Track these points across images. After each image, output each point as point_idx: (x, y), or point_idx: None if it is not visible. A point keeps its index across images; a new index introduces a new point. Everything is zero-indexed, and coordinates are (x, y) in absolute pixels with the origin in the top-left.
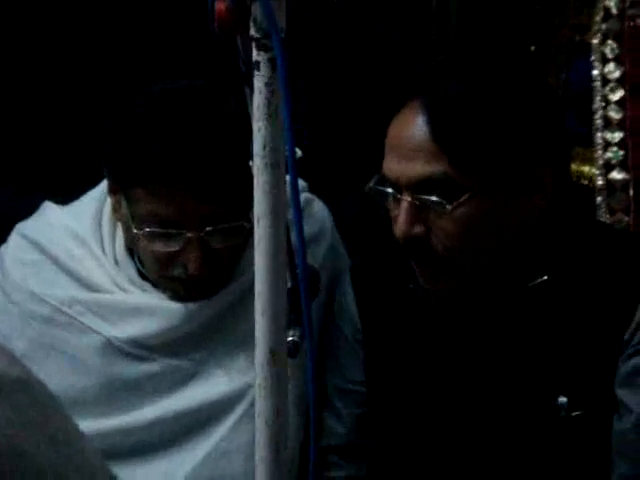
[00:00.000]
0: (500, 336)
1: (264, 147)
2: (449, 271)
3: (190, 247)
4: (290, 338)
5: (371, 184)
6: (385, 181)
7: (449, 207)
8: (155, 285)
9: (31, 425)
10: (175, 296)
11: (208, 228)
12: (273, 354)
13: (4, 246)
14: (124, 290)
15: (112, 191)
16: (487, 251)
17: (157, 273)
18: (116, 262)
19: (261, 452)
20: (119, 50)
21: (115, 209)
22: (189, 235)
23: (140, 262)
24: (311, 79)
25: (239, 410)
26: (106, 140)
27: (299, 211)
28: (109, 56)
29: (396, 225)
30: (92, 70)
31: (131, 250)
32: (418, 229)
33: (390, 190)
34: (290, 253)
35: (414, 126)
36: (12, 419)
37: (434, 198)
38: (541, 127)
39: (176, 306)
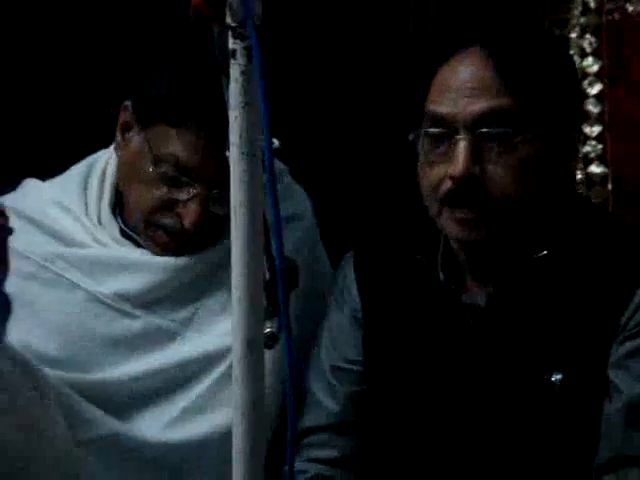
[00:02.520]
0: (501, 309)
1: (240, 136)
2: (492, 216)
3: (193, 202)
4: (268, 329)
5: (415, 131)
6: (433, 123)
7: (516, 139)
8: (137, 244)
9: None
10: (156, 249)
11: (216, 191)
12: (250, 345)
13: None
14: (106, 246)
15: (126, 127)
16: (529, 200)
17: (147, 217)
18: (99, 222)
19: (238, 443)
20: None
21: (120, 146)
22: (198, 190)
23: (124, 221)
24: (290, 73)
25: (218, 370)
26: (144, 74)
27: (276, 202)
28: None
29: (444, 166)
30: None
31: (114, 210)
32: (476, 169)
33: (443, 130)
34: (268, 245)
35: (475, 66)
36: None
37: (501, 129)
38: (575, 89)
39: (161, 261)
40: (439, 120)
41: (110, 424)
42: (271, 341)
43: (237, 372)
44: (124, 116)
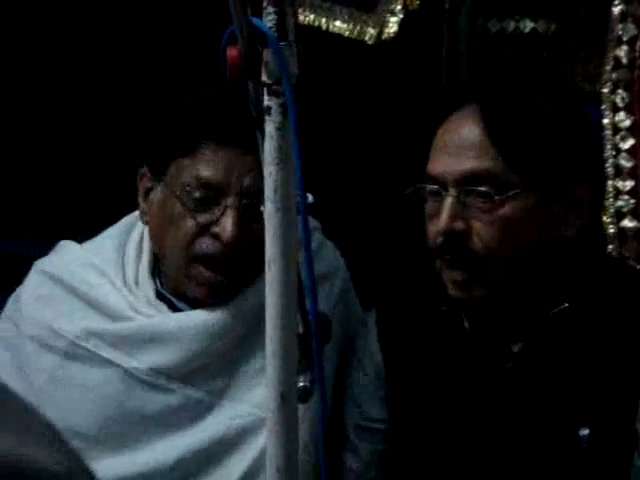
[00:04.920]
0: (526, 364)
1: (275, 191)
2: (482, 275)
3: (227, 215)
4: (301, 383)
5: (412, 188)
6: (428, 181)
7: (497, 198)
8: (171, 307)
9: None
10: (197, 291)
11: (245, 200)
12: (284, 399)
13: (22, 284)
14: (140, 313)
15: (147, 192)
16: (520, 257)
17: (186, 251)
18: (136, 283)
19: None
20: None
21: (145, 212)
22: (228, 203)
23: (160, 281)
24: (321, 127)
25: (259, 443)
26: (154, 115)
27: (310, 256)
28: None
29: (437, 222)
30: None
31: (153, 270)
32: (460, 225)
33: (434, 187)
34: (301, 299)
35: (465, 125)
36: None
37: (482, 189)
38: (578, 144)
39: (195, 328)
40: (432, 179)
41: None
42: (305, 395)
43: (271, 425)
44: (143, 183)
